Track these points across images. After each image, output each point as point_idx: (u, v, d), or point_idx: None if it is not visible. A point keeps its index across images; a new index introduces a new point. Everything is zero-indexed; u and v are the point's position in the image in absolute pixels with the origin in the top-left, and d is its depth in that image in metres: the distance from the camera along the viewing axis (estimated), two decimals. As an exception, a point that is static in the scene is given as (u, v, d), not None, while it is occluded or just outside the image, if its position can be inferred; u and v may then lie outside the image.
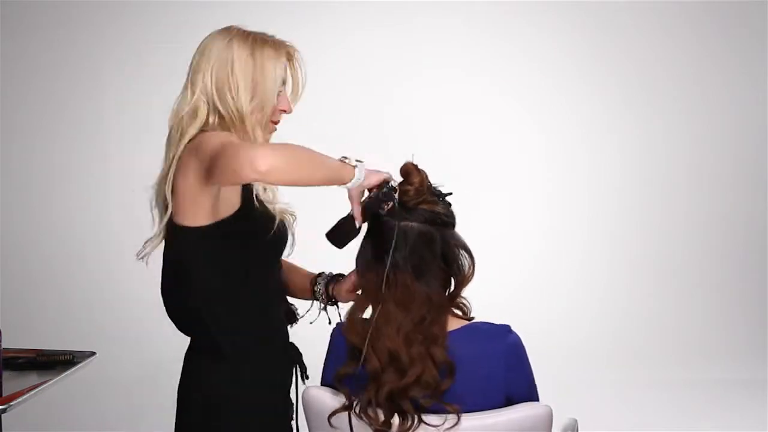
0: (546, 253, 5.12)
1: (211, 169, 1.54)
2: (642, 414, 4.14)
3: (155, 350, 4.48)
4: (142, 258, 1.77)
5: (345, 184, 1.60)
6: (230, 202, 1.66)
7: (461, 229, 1.83)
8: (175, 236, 1.67)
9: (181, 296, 1.71)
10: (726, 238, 5.20)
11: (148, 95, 4.84)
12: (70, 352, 2.03)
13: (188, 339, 1.87)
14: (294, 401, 1.83)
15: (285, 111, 1.78)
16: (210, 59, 1.71)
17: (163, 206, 1.69)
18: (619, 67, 5.18)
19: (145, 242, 1.75)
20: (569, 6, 5.11)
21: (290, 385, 1.83)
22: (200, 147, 1.59)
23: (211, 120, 1.68)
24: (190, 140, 1.65)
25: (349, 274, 1.85)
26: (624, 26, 5.17)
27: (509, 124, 5.15)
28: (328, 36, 4.95)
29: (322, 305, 1.89)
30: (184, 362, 1.82)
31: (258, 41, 1.75)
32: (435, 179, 1.84)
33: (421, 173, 1.76)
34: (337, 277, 1.89)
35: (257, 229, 1.70)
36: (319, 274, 1.91)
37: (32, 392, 1.80)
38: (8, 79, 4.77)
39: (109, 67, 4.87)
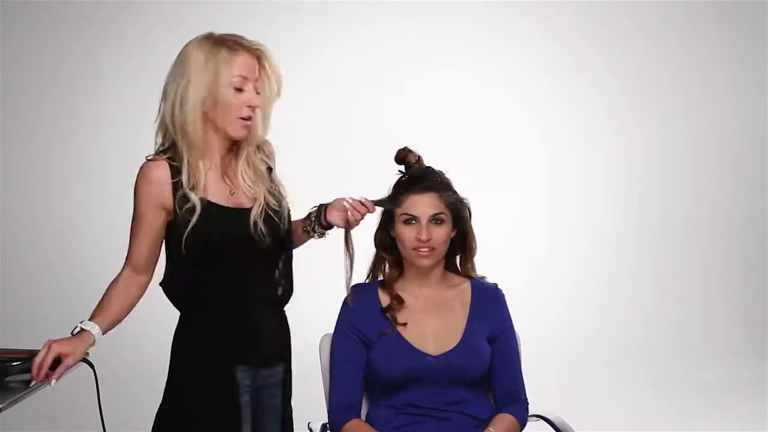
0: (546, 252, 5.12)
1: None
2: (642, 414, 4.14)
3: (155, 350, 4.49)
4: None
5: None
6: (165, 207, 1.95)
7: None
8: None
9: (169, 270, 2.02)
10: (726, 238, 5.21)
11: (148, 95, 4.85)
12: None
13: None
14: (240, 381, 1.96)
15: (252, 106, 1.88)
16: (174, 71, 1.90)
17: None
18: (620, 66, 5.19)
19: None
20: (569, 6, 5.11)
21: (240, 365, 1.95)
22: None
23: (167, 134, 1.92)
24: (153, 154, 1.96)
25: (336, 199, 2.04)
26: (624, 26, 5.18)
27: (509, 125, 5.15)
28: (327, 36, 4.95)
29: (318, 236, 2.06)
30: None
31: (216, 45, 1.86)
32: None
33: (414, 153, 2.10)
34: (323, 206, 2.04)
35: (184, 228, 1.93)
36: (308, 215, 2.06)
37: (27, 392, 1.79)
38: (8, 79, 4.77)
39: (109, 67, 4.87)
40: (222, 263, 1.91)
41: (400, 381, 2.02)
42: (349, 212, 1.99)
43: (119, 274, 2.01)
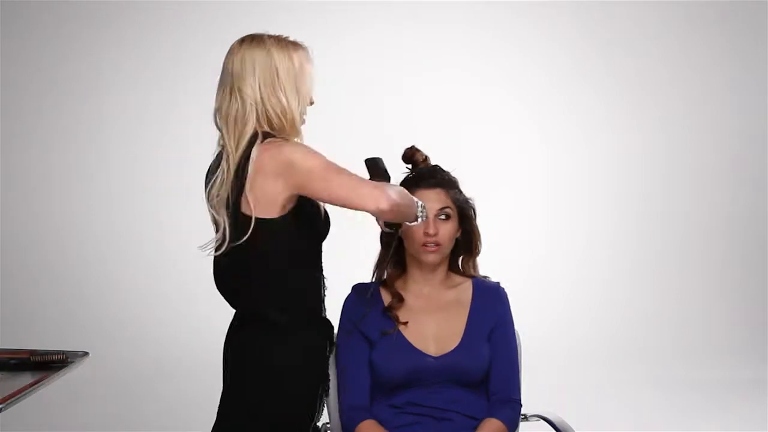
0: (546, 252, 5.11)
1: (308, 185, 1.83)
2: (642, 414, 4.14)
3: (154, 350, 4.49)
4: (211, 254, 1.93)
5: (415, 219, 1.93)
6: (294, 199, 1.88)
7: None
8: (252, 228, 1.86)
9: (248, 278, 1.91)
10: (726, 239, 5.20)
11: (148, 95, 4.86)
12: (63, 352, 2.03)
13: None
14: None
15: (312, 103, 2.03)
16: (255, 69, 1.90)
17: (227, 203, 1.88)
18: (620, 66, 5.18)
19: (213, 240, 1.91)
20: (569, 6, 5.11)
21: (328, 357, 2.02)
22: (294, 164, 1.83)
23: (259, 126, 1.89)
24: (259, 145, 1.86)
25: None
26: (624, 26, 5.18)
27: (509, 125, 5.15)
28: (327, 36, 4.94)
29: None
30: (241, 341, 1.94)
31: (291, 45, 1.96)
32: None
33: (422, 152, 2.14)
34: None
35: (312, 217, 1.93)
36: None
37: (26, 392, 1.79)
38: (8, 79, 4.77)
39: (109, 67, 4.87)
40: (318, 260, 1.98)
41: (400, 381, 2.02)
42: None
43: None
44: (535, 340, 4.84)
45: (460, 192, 2.12)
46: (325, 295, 2.02)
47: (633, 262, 5.15)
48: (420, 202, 1.93)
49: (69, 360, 2.00)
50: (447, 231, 2.06)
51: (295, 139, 1.94)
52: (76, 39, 4.85)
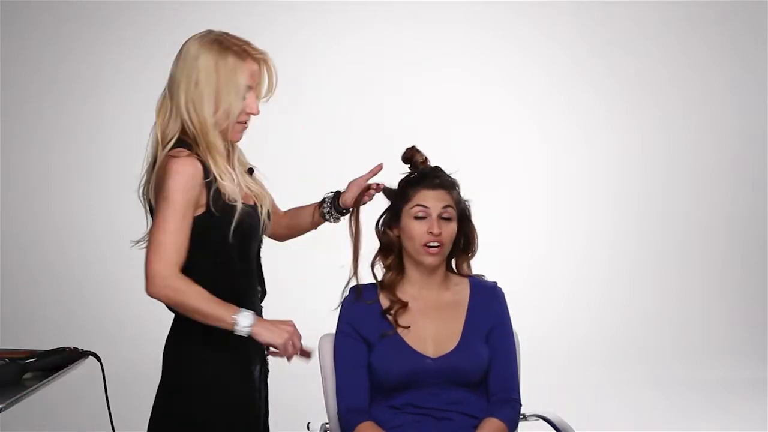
0: (546, 252, 5.12)
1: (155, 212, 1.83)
2: (642, 414, 4.14)
3: (154, 350, 4.49)
4: (134, 247, 2.02)
5: (229, 330, 1.81)
6: (199, 203, 1.84)
7: None
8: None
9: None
10: (726, 239, 5.21)
11: (148, 95, 4.85)
12: (64, 351, 2.03)
13: None
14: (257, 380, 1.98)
15: (252, 113, 1.92)
16: (184, 71, 1.87)
17: (148, 205, 1.92)
18: (620, 66, 5.19)
19: (145, 234, 1.97)
20: (569, 6, 5.11)
21: (260, 370, 1.99)
22: (164, 180, 1.82)
23: (180, 133, 1.87)
24: (167, 151, 1.85)
25: (349, 184, 2.11)
26: (624, 26, 5.18)
27: (509, 125, 5.15)
28: (327, 36, 4.95)
29: (334, 220, 2.14)
30: (166, 347, 2.01)
31: (223, 51, 1.87)
32: None
33: (422, 153, 2.13)
34: (338, 193, 2.13)
35: (224, 224, 1.86)
36: (322, 200, 2.14)
37: (26, 392, 1.79)
38: (8, 79, 4.77)
39: (109, 67, 4.87)
40: (243, 260, 1.92)
41: (399, 383, 2.02)
42: (365, 194, 2.10)
43: (178, 280, 1.84)
44: (535, 340, 4.84)
45: (460, 194, 2.13)
46: (258, 303, 1.98)
47: (633, 262, 5.15)
48: (244, 324, 1.80)
49: (70, 360, 2.00)
50: (449, 231, 2.05)
51: (217, 152, 1.86)
52: (76, 39, 4.85)
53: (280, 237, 2.22)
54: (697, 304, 5.10)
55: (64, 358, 1.99)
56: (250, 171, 2.04)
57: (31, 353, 1.96)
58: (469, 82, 5.08)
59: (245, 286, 1.94)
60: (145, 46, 4.81)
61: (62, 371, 1.95)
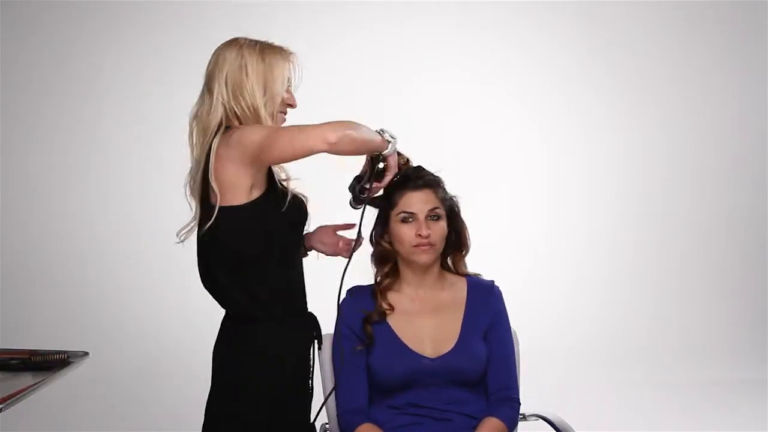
0: (546, 252, 5.12)
1: (261, 155, 1.85)
2: (642, 414, 4.14)
3: (153, 349, 4.50)
4: (182, 241, 2.00)
5: (383, 151, 1.97)
6: (260, 184, 1.92)
7: None
8: (217, 217, 1.90)
9: (220, 270, 1.95)
10: (726, 239, 5.21)
11: (148, 95, 4.86)
12: (64, 352, 2.03)
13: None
14: (312, 366, 2.03)
15: (291, 105, 2.06)
16: (223, 68, 1.96)
17: (199, 193, 1.95)
18: (620, 66, 5.18)
19: (186, 226, 1.99)
20: (569, 6, 5.11)
21: (311, 351, 2.03)
22: (242, 140, 1.86)
23: (227, 119, 1.95)
24: (220, 135, 1.91)
25: (318, 229, 2.15)
26: (624, 26, 5.18)
27: (509, 125, 5.15)
28: (327, 36, 4.95)
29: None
30: (221, 330, 2.02)
31: (265, 47, 2.01)
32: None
33: (403, 155, 2.09)
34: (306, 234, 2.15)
35: (282, 205, 1.95)
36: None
37: (27, 392, 1.80)
38: (8, 79, 4.77)
39: (109, 67, 4.87)
40: (297, 253, 2.03)
41: (398, 383, 2.02)
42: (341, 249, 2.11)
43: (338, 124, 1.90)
44: (535, 340, 4.84)
45: (445, 191, 2.12)
46: (304, 290, 2.05)
47: (633, 262, 5.15)
48: (386, 131, 2.00)
49: (70, 359, 2.01)
50: (438, 231, 2.05)
51: None
52: (75, 39, 4.84)
53: None
54: (697, 304, 5.10)
55: (60, 359, 1.99)
56: None
57: (30, 353, 1.96)
58: (469, 82, 5.08)
59: (292, 273, 2.01)
60: (145, 46, 4.81)
61: (62, 371, 1.95)
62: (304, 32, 4.94)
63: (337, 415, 2.06)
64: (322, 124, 1.85)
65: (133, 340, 4.52)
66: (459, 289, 2.13)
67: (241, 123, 1.94)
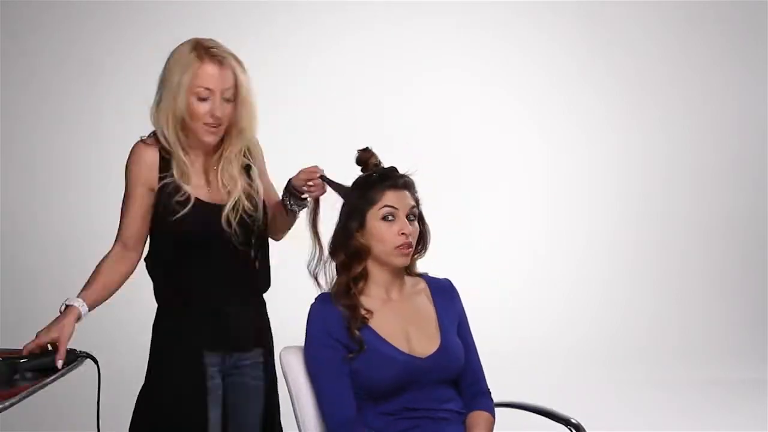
0: (546, 252, 5.11)
1: None
2: (642, 414, 4.14)
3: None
4: None
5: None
6: (150, 187, 2.07)
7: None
8: None
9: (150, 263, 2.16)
10: (726, 239, 5.21)
11: (148, 95, 4.85)
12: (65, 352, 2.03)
13: None
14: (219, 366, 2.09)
15: (216, 116, 2.00)
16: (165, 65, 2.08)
17: None
18: (620, 66, 5.19)
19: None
20: (569, 6, 5.11)
21: (208, 349, 2.08)
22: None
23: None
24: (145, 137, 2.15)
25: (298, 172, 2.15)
26: (624, 26, 5.18)
27: (509, 125, 5.15)
28: (327, 36, 4.95)
29: (300, 208, 2.17)
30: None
31: (188, 55, 2.01)
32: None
33: (376, 155, 2.09)
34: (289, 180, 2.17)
35: (166, 215, 2.06)
36: (282, 194, 2.19)
37: (27, 392, 1.80)
38: (8, 79, 4.76)
39: (109, 67, 4.86)
40: (197, 255, 2.04)
41: (393, 387, 1.96)
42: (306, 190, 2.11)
43: (109, 252, 2.15)
44: (535, 340, 4.87)
45: (417, 193, 2.09)
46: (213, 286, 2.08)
47: (633, 262, 5.15)
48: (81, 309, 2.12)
49: (70, 359, 2.00)
50: (415, 231, 2.03)
51: (178, 146, 2.03)
52: (76, 39, 4.84)
53: (273, 236, 2.24)
54: (697, 304, 5.10)
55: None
56: (248, 168, 2.10)
57: (30, 353, 1.96)
58: (469, 82, 5.08)
59: (201, 281, 2.06)
60: (145, 46, 4.78)
61: (61, 372, 1.95)
62: (304, 32, 4.94)
63: (328, 428, 1.97)
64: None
65: (133, 340, 4.50)
66: (423, 289, 2.11)
67: (163, 127, 2.07)
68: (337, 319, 1.98)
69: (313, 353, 1.99)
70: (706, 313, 5.08)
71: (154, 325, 2.18)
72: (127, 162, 2.08)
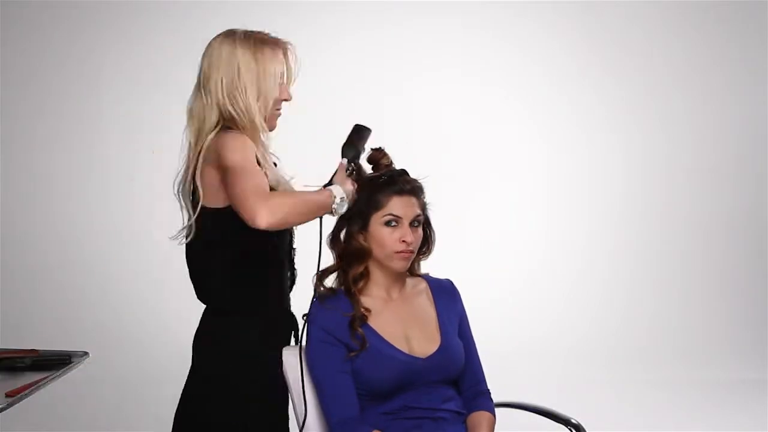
0: (546, 252, 5.12)
1: (224, 179, 1.87)
2: (642, 414, 4.14)
3: (154, 349, 4.49)
4: (181, 244, 2.04)
5: (333, 212, 1.94)
6: None
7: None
8: (201, 217, 1.96)
9: (203, 267, 2.01)
10: (726, 239, 5.20)
11: (148, 95, 4.85)
12: (65, 352, 2.03)
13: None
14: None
15: (286, 100, 2.06)
16: (219, 67, 1.97)
17: (191, 193, 1.98)
18: (620, 66, 5.19)
19: (183, 227, 2.02)
20: (569, 6, 5.11)
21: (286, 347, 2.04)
22: (221, 154, 1.88)
23: (222, 121, 1.95)
24: (215, 134, 1.93)
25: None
26: (624, 26, 5.18)
27: (509, 125, 5.15)
28: (327, 36, 4.95)
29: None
30: (201, 323, 2.06)
31: (258, 43, 2.00)
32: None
33: (388, 155, 2.10)
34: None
35: None
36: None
37: (27, 392, 1.80)
38: (8, 79, 4.77)
39: (109, 67, 4.87)
40: (276, 248, 2.01)
41: (393, 387, 1.96)
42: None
43: (273, 200, 1.84)
44: (535, 340, 4.87)
45: (425, 198, 2.08)
46: (287, 289, 2.08)
47: (633, 262, 5.15)
48: (339, 195, 1.93)
49: (70, 359, 2.01)
50: (418, 237, 2.02)
51: (261, 136, 1.98)
52: (76, 39, 4.84)
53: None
54: (698, 304, 5.10)
55: (61, 359, 1.99)
56: (275, 164, 2.08)
57: (31, 353, 1.96)
58: (469, 82, 5.08)
59: (277, 278, 2.04)
60: (145, 46, 4.81)
61: (62, 371, 1.95)
62: (304, 32, 4.91)
63: (331, 427, 1.94)
64: (275, 199, 1.82)
65: (133, 340, 4.52)
66: (424, 290, 2.11)
67: (234, 124, 1.95)
68: (337, 317, 1.97)
69: (314, 352, 1.97)
70: (706, 314, 5.08)
71: (219, 328, 2.03)
72: (236, 144, 1.90)
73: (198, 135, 1.96)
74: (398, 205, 2.00)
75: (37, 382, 1.85)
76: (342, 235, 2.04)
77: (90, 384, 3.75)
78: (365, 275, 2.03)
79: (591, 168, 5.18)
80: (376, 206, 2.00)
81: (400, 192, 2.01)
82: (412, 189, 2.03)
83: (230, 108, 1.94)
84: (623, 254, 5.15)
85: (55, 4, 4.83)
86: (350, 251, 2.02)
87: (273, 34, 2.06)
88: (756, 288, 5.14)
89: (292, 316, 2.11)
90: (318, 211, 1.90)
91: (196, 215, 1.95)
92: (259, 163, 1.91)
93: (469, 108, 5.07)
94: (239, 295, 1.99)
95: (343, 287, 2.03)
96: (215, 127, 1.94)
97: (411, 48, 5.02)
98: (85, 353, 2.04)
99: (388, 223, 1.99)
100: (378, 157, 2.10)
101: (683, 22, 5.19)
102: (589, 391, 4.38)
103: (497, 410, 2.10)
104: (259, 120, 1.96)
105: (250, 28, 2.05)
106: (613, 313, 5.03)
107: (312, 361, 1.97)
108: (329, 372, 1.95)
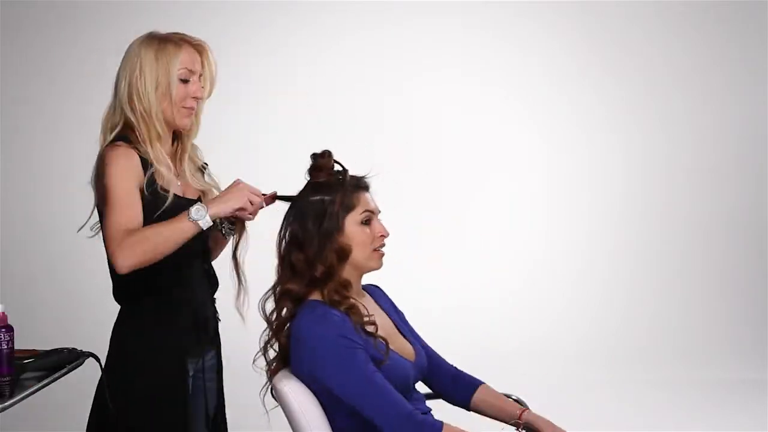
0: (546, 252, 5.11)
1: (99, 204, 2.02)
2: (642, 414, 4.14)
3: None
4: (92, 236, 2.24)
5: (198, 230, 1.90)
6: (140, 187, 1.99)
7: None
8: (91, 216, 2.15)
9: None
10: (726, 239, 5.20)
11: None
12: (66, 352, 2.04)
13: None
14: (194, 371, 2.05)
15: (196, 98, 2.04)
16: (126, 67, 2.02)
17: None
18: (620, 66, 5.18)
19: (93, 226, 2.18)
20: (569, 6, 5.11)
21: (191, 352, 2.04)
22: (98, 176, 2.07)
23: (121, 129, 2.04)
24: (104, 143, 2.08)
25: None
26: (624, 26, 5.18)
27: (509, 125, 5.15)
28: (327, 36, 4.95)
29: (225, 232, 2.11)
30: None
31: (162, 42, 2.00)
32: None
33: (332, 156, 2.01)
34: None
35: (151, 210, 1.98)
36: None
37: (27, 392, 1.80)
38: (8, 79, 4.77)
39: (109, 68, 4.85)
40: (176, 252, 1.94)
41: (402, 393, 1.87)
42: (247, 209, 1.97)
43: (127, 239, 1.91)
44: (535, 340, 4.87)
45: None
46: (193, 278, 2.05)
47: (633, 262, 5.15)
48: (194, 207, 1.89)
49: (71, 359, 2.01)
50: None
51: (157, 139, 1.99)
52: (76, 39, 4.84)
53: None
54: (698, 304, 5.10)
55: (62, 359, 1.99)
56: (203, 168, 2.12)
57: (31, 353, 1.96)
58: (469, 82, 5.08)
59: (180, 281, 2.02)
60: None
61: (62, 371, 1.95)
62: (304, 32, 4.94)
63: (402, 423, 1.80)
64: (122, 243, 1.88)
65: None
66: (369, 297, 2.06)
67: (130, 126, 2.00)
68: (347, 324, 1.86)
69: (344, 361, 1.83)
70: (706, 314, 5.08)
71: (122, 328, 2.07)
72: (110, 166, 2.02)
73: (103, 136, 2.09)
74: (368, 200, 1.96)
75: (36, 382, 1.85)
76: (311, 247, 1.91)
77: (90, 384, 3.75)
78: (348, 283, 1.94)
79: (591, 168, 5.18)
80: (348, 208, 1.93)
81: (366, 187, 1.98)
82: (367, 183, 2.00)
83: (129, 113, 1.99)
84: (623, 254, 5.15)
85: (56, 4, 4.83)
86: (334, 252, 1.91)
87: (195, 36, 2.06)
88: (756, 288, 5.14)
89: (204, 319, 2.07)
90: (180, 235, 1.88)
91: (93, 211, 2.12)
92: (154, 182, 1.95)
93: (469, 108, 5.07)
94: (136, 287, 2.01)
95: (327, 298, 1.90)
96: (112, 132, 2.05)
97: (411, 48, 5.02)
98: (86, 353, 2.04)
99: (366, 221, 1.94)
100: (327, 164, 2.00)
101: (683, 22, 5.19)
102: (589, 390, 4.38)
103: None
104: (156, 121, 1.97)
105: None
106: (613, 313, 5.03)
107: (342, 370, 1.83)
108: (368, 373, 1.82)
